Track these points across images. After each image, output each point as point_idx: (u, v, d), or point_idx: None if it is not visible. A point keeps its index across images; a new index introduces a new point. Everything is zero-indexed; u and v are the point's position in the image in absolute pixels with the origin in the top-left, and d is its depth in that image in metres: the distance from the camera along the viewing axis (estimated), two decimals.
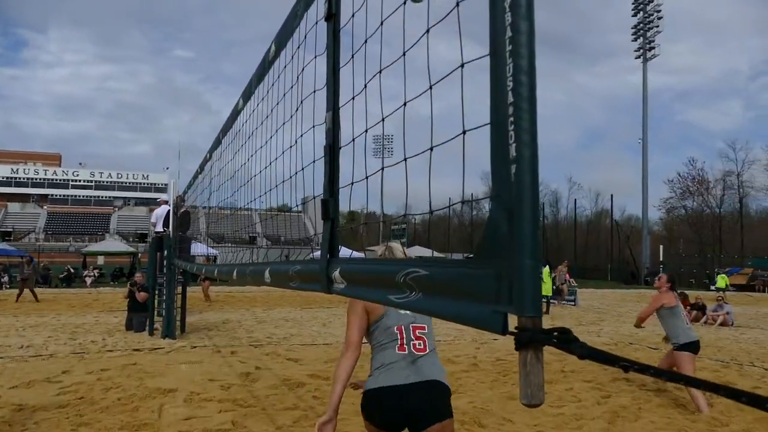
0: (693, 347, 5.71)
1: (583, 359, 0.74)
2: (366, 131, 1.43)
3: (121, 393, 5.97)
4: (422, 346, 2.49)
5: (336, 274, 1.49)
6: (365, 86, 1.42)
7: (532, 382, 0.78)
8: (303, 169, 1.93)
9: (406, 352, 2.46)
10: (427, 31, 1.14)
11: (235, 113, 3.40)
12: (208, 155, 5.05)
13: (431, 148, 1.12)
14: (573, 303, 20.20)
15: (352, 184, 1.57)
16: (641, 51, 52.90)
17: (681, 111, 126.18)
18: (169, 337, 9.74)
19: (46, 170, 75.97)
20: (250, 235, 51.12)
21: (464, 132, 0.99)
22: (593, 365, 7.82)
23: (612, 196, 59.11)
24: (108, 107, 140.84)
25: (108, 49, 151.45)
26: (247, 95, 3.08)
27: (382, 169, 1.61)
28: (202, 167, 5.74)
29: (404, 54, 1.20)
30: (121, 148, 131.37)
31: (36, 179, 75.08)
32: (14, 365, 7.50)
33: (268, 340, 10.04)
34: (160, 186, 77.19)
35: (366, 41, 1.44)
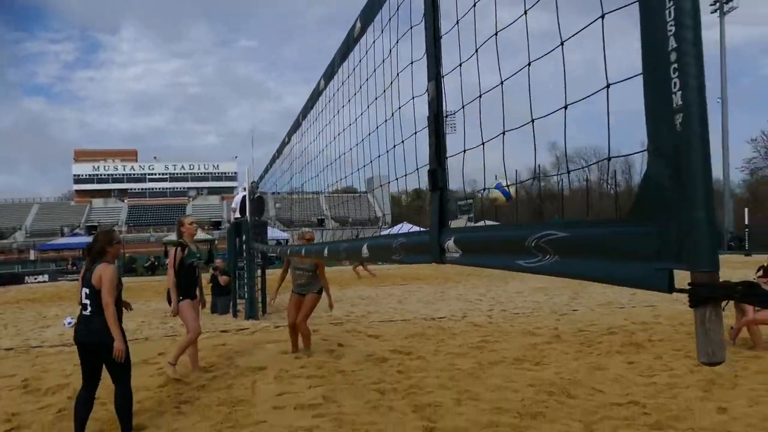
0: None
1: None
2: (480, 96, 1.40)
3: (215, 372, 6.25)
4: None
5: (449, 243, 1.48)
6: (476, 50, 1.38)
7: (712, 339, 0.74)
8: (403, 141, 1.92)
9: None
10: None
11: (317, 94, 3.43)
12: (286, 138, 5.13)
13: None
14: None
15: (465, 151, 1.55)
16: (717, 4, 49.57)
17: (766, 65, 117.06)
18: (253, 319, 10.11)
19: (124, 166, 79.99)
20: (319, 218, 52.08)
21: (608, 85, 0.94)
22: (680, 333, 7.52)
23: None
24: (178, 102, 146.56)
25: (177, 45, 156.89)
26: (329, 75, 3.09)
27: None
28: (279, 151, 5.85)
29: (525, 12, 1.16)
30: (191, 140, 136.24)
31: (116, 175, 79.17)
32: None
33: (347, 318, 10.22)
34: (230, 174, 79.72)
35: (475, 5, 1.40)
